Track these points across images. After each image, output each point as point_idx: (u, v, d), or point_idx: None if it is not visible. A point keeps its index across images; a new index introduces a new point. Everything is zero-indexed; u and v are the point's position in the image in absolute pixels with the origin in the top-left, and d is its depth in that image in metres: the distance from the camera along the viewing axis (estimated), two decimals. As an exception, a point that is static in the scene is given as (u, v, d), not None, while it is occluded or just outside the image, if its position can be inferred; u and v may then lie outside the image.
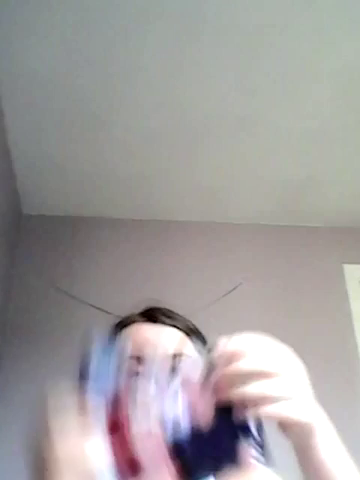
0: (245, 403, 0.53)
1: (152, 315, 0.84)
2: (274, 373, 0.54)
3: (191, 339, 0.82)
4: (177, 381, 0.60)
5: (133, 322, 0.84)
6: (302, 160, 2.06)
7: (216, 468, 0.59)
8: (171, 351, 0.76)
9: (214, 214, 2.38)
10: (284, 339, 2.22)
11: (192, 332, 0.84)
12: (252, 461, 0.58)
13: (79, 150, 2.00)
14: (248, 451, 0.58)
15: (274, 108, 1.81)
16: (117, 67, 1.65)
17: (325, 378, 2.08)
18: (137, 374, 0.71)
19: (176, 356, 0.75)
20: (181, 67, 1.65)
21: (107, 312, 2.09)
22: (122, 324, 0.86)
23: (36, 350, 2.02)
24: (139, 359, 0.73)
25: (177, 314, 0.86)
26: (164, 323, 0.82)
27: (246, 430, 0.58)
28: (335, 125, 1.88)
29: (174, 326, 0.82)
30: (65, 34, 1.54)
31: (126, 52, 1.60)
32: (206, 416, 0.56)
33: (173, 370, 0.69)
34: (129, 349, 0.74)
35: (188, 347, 0.80)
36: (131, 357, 0.74)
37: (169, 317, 0.84)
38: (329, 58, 1.63)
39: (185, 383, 0.59)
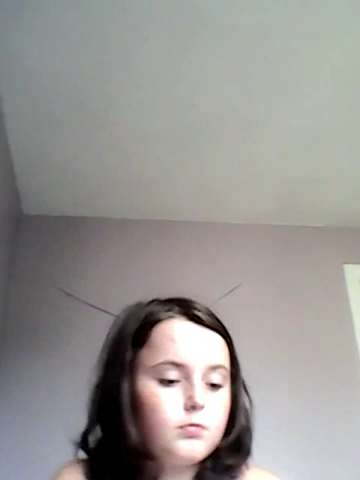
0: None
1: (194, 314, 0.75)
2: None
3: (226, 342, 0.77)
4: None
5: (170, 318, 0.76)
6: (302, 160, 2.06)
7: None
8: (212, 362, 0.72)
9: (214, 214, 2.38)
10: (284, 339, 2.24)
11: (226, 333, 0.78)
12: None
13: (79, 150, 1.99)
14: None
15: (274, 108, 1.81)
16: (117, 67, 1.65)
17: (325, 377, 2.09)
18: (169, 382, 0.70)
19: (216, 368, 0.72)
20: (181, 67, 1.65)
21: (107, 312, 2.09)
22: (155, 318, 0.76)
23: (36, 350, 2.02)
24: (177, 365, 0.71)
25: (211, 311, 0.79)
26: (206, 325, 0.75)
27: None
28: (335, 125, 1.88)
29: (215, 329, 0.76)
30: (65, 34, 1.54)
31: (126, 52, 1.60)
32: None
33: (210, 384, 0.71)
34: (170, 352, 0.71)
35: (225, 356, 0.76)
36: (169, 362, 0.71)
37: (210, 316, 0.77)
38: (329, 58, 1.62)
39: None
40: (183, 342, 0.72)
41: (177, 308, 0.77)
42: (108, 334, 0.80)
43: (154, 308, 0.78)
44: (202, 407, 0.68)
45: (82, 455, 0.78)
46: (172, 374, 0.70)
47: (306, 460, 1.91)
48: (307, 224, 2.43)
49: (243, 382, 0.79)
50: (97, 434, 0.76)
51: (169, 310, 0.77)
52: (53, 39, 1.55)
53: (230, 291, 2.14)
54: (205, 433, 0.69)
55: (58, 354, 2.02)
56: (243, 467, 0.75)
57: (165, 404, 0.69)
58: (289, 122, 1.87)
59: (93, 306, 2.10)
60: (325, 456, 1.93)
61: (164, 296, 0.84)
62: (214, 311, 0.79)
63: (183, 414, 0.68)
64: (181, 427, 0.68)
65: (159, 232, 2.35)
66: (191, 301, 0.79)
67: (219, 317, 0.79)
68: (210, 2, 1.45)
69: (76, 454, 0.77)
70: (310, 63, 1.64)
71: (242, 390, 0.78)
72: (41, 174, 2.12)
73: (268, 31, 1.54)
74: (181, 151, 2.01)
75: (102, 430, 0.75)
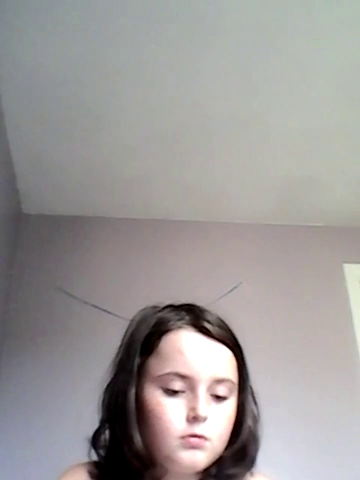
0: None
1: (203, 326, 0.76)
2: None
3: (235, 354, 0.77)
4: None
5: (179, 328, 0.76)
6: (302, 160, 2.06)
7: None
8: (218, 375, 0.73)
9: (214, 214, 2.38)
10: (284, 338, 2.24)
11: (235, 345, 0.78)
12: None
13: (79, 150, 1.99)
14: None
15: (274, 108, 1.81)
16: (117, 67, 1.65)
17: (325, 377, 2.08)
18: (174, 392, 0.71)
19: (222, 381, 0.73)
20: (181, 67, 1.65)
21: (107, 312, 2.09)
22: (165, 328, 0.76)
23: (36, 350, 2.02)
24: (183, 377, 0.71)
25: (222, 321, 0.79)
26: (215, 338, 0.75)
27: None
28: (335, 124, 1.88)
29: (224, 342, 0.76)
30: (66, 34, 1.54)
31: (126, 52, 1.60)
32: None
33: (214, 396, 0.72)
34: (177, 364, 0.72)
35: (232, 369, 0.76)
36: (175, 373, 0.72)
37: (220, 328, 0.77)
38: (329, 58, 1.62)
39: None
40: (190, 354, 0.73)
41: (188, 318, 0.77)
42: (123, 336, 0.81)
43: (165, 315, 0.79)
44: (204, 419, 0.70)
45: (93, 455, 0.78)
46: (177, 385, 0.71)
47: (305, 459, 1.91)
48: (307, 223, 2.43)
49: (252, 391, 0.80)
50: (107, 436, 0.77)
51: (179, 319, 0.77)
52: (53, 38, 1.55)
53: (230, 290, 2.14)
54: (207, 444, 0.70)
55: (58, 354, 2.02)
56: (247, 475, 0.76)
57: (169, 414, 0.70)
58: (289, 122, 1.87)
59: (93, 306, 2.10)
60: (324, 455, 1.93)
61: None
62: (225, 321, 0.80)
63: (186, 425, 0.70)
64: (183, 437, 0.69)
65: (159, 232, 2.35)
66: (202, 310, 0.80)
67: (230, 327, 0.79)
68: (211, 2, 1.45)
69: (89, 452, 0.78)
70: (310, 63, 1.64)
71: (250, 399, 0.79)
72: (41, 174, 2.12)
73: (269, 31, 1.54)
74: (181, 151, 2.01)
75: (110, 433, 0.77)
